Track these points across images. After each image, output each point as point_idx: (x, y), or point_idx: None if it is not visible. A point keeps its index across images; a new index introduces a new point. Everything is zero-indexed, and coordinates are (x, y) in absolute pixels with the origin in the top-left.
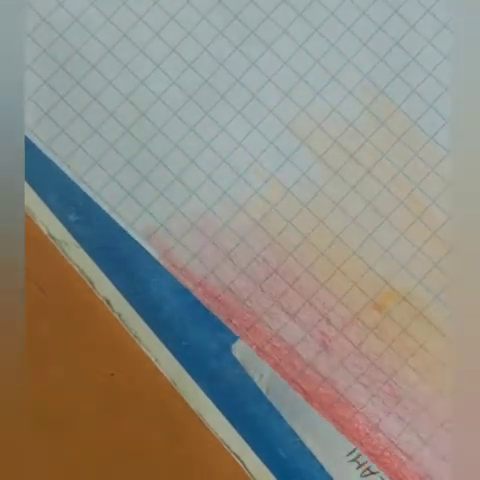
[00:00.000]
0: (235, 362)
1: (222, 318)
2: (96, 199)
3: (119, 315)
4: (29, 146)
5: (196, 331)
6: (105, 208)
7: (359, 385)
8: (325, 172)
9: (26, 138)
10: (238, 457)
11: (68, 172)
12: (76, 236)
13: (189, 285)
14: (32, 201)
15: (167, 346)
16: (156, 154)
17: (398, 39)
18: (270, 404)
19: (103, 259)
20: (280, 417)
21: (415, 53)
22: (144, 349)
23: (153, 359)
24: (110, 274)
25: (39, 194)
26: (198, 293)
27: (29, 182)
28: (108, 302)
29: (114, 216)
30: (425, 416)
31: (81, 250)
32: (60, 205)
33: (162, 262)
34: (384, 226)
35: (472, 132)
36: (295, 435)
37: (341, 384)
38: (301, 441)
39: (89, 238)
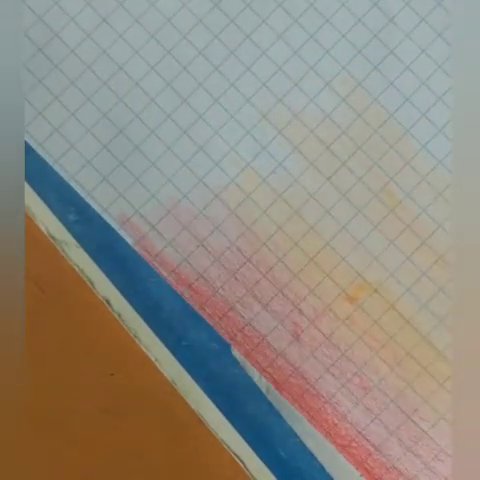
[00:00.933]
0: (235, 362)
1: (195, 306)
2: (71, 183)
3: (119, 315)
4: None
5: (196, 331)
6: (80, 192)
7: (329, 376)
8: (301, 163)
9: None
10: (238, 457)
11: (44, 155)
12: (76, 236)
13: (163, 272)
14: (32, 201)
15: (167, 346)
16: (133, 140)
17: (377, 32)
18: (270, 404)
19: (103, 259)
20: (280, 417)
21: (393, 46)
22: (144, 349)
23: (153, 359)
24: (110, 274)
25: (39, 194)
26: (171, 280)
27: (28, 182)
28: (108, 302)
29: (89, 201)
30: (393, 408)
31: (81, 250)
32: (60, 205)
33: (136, 248)
34: (358, 218)
35: (450, 127)
36: (295, 435)
37: (311, 374)
38: (301, 441)
39: (89, 238)
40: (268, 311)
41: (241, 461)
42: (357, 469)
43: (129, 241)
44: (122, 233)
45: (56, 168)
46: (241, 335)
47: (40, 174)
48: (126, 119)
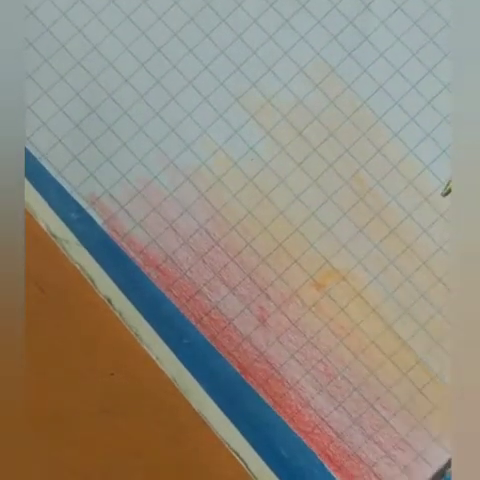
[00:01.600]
0: None
1: (161, 288)
2: (42, 161)
3: (120, 313)
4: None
5: (197, 329)
6: (51, 171)
7: (294, 362)
8: (272, 148)
9: None
10: (239, 455)
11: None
12: (77, 234)
13: (130, 252)
14: (33, 199)
15: (168, 344)
16: (105, 120)
17: (352, 18)
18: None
19: (104, 257)
20: (279, 415)
21: (368, 33)
22: (145, 347)
23: (154, 357)
24: (111, 272)
25: (40, 192)
26: (139, 261)
27: (29, 180)
28: (109, 300)
29: (59, 180)
30: (356, 396)
31: (82, 248)
32: (61, 203)
33: (104, 228)
34: (327, 205)
35: (423, 115)
36: (295, 433)
37: (276, 359)
38: (302, 440)
39: (90, 236)
40: (235, 295)
41: (242, 460)
42: (319, 456)
43: (98, 221)
44: (91, 212)
45: (28, 146)
46: (207, 318)
47: (41, 172)
48: (99, 99)
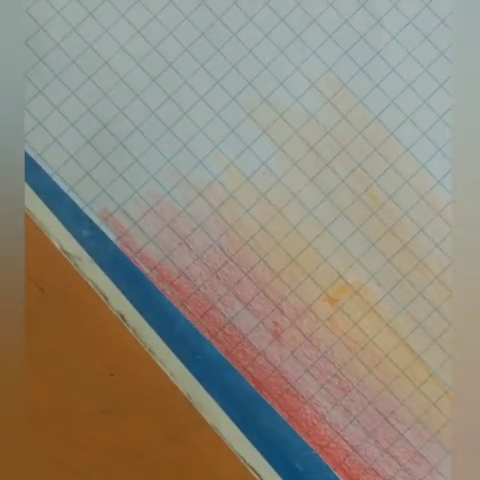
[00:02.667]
0: None
1: (175, 303)
2: (55, 178)
3: (134, 330)
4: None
5: (210, 344)
6: (63, 187)
7: (309, 376)
8: (284, 163)
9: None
10: (254, 469)
11: (27, 149)
12: (90, 251)
13: (144, 268)
14: (46, 217)
15: (182, 360)
16: (117, 135)
17: (363, 33)
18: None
19: (117, 274)
20: (295, 430)
21: (380, 48)
22: (159, 363)
23: (168, 373)
24: (124, 289)
25: (52, 209)
26: (153, 277)
27: (41, 197)
28: (122, 317)
29: (71, 196)
30: (371, 409)
31: (95, 265)
32: (73, 220)
33: (118, 244)
34: (340, 219)
35: (435, 130)
36: (311, 448)
37: (291, 374)
38: (317, 454)
39: (103, 253)
40: (249, 310)
41: (257, 475)
42: (335, 470)
43: (111, 237)
44: (104, 229)
45: (39, 162)
46: (222, 333)
47: (53, 188)
48: (110, 114)
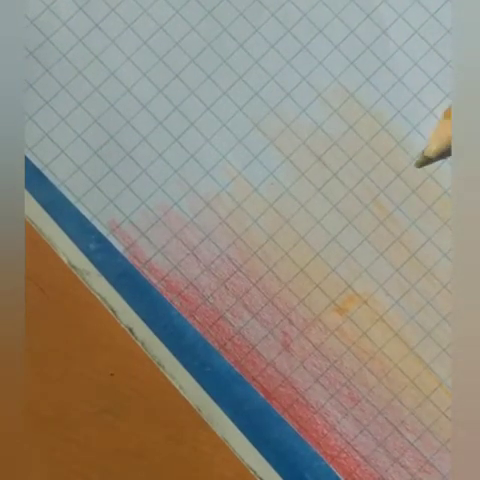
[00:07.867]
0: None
1: (184, 314)
2: (61, 189)
3: (142, 343)
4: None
5: (219, 357)
6: (70, 198)
7: (318, 386)
8: (292, 173)
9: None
10: (256, 473)
11: (33, 160)
12: (97, 265)
13: (152, 279)
14: (53, 232)
15: (191, 372)
16: (124, 146)
17: (369, 43)
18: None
19: (125, 287)
20: (305, 441)
21: (386, 58)
22: (168, 376)
23: (177, 386)
24: (132, 302)
25: (59, 222)
26: (161, 288)
27: (48, 211)
28: (131, 330)
29: (79, 207)
30: (381, 419)
31: (102, 278)
32: (81, 232)
33: (126, 255)
34: (348, 229)
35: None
36: (321, 458)
37: (301, 384)
38: (328, 465)
39: (110, 266)
40: (258, 320)
41: (259, 478)
42: None
43: (119, 248)
44: (111, 240)
45: (46, 173)
46: (231, 344)
47: (59, 200)
48: (117, 125)
